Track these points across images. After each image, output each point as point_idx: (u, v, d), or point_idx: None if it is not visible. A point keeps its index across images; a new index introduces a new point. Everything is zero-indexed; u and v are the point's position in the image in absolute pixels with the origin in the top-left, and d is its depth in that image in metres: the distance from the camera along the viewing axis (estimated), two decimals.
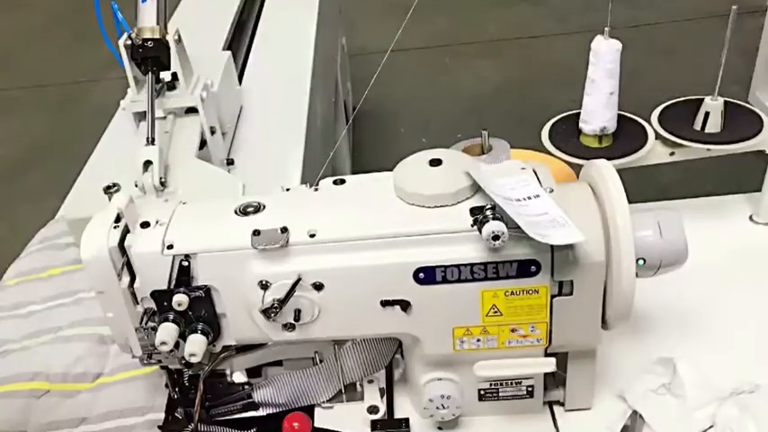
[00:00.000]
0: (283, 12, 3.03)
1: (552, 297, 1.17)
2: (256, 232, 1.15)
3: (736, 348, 1.44)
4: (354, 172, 1.68)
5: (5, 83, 6.02)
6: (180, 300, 1.19)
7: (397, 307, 1.19)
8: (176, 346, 1.21)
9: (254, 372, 1.43)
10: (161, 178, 1.63)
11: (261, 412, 1.41)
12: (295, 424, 1.28)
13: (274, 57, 2.67)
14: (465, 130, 2.04)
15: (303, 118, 2.26)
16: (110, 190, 1.45)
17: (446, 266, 1.14)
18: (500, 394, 1.33)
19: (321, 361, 1.38)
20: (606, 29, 1.61)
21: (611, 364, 1.42)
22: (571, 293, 1.17)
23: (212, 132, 1.91)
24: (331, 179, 1.30)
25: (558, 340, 1.23)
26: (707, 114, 1.67)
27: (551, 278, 1.14)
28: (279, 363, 1.43)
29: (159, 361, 1.30)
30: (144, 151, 1.64)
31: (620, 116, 1.69)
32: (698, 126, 1.68)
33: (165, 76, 1.83)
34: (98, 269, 1.18)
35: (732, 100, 1.71)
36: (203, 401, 1.38)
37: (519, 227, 1.05)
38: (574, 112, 1.74)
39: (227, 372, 1.41)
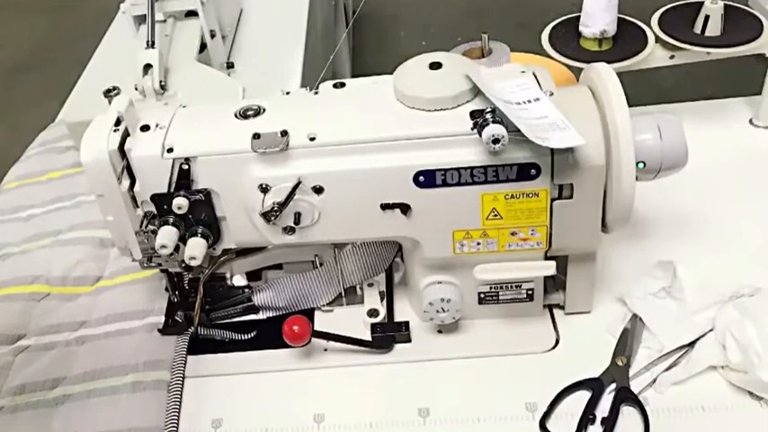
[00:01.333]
0: None
1: (552, 200, 1.17)
2: (256, 135, 1.14)
3: (735, 252, 1.44)
4: (354, 75, 1.66)
5: None
6: (180, 203, 1.19)
7: (397, 210, 1.19)
8: (176, 249, 1.22)
9: (253, 275, 1.44)
10: (161, 81, 1.62)
11: (261, 315, 1.42)
12: (295, 327, 1.28)
13: None
14: (465, 34, 2.02)
15: (303, 21, 2.24)
16: (110, 93, 1.44)
17: (446, 170, 1.13)
18: (500, 298, 1.34)
19: (321, 264, 1.39)
20: None
21: (611, 268, 1.42)
22: (571, 197, 1.17)
23: (212, 35, 1.89)
24: (331, 82, 1.29)
25: (557, 243, 1.23)
26: (707, 18, 1.64)
27: (551, 181, 1.14)
28: (279, 266, 1.44)
29: (159, 264, 1.30)
30: (144, 54, 1.62)
31: (620, 19, 1.66)
32: (698, 29, 1.66)
33: None
34: (98, 172, 1.17)
35: (732, 3, 1.68)
36: (203, 305, 1.39)
37: (519, 130, 1.04)
38: (574, 15, 1.71)
39: (227, 275, 1.42)
